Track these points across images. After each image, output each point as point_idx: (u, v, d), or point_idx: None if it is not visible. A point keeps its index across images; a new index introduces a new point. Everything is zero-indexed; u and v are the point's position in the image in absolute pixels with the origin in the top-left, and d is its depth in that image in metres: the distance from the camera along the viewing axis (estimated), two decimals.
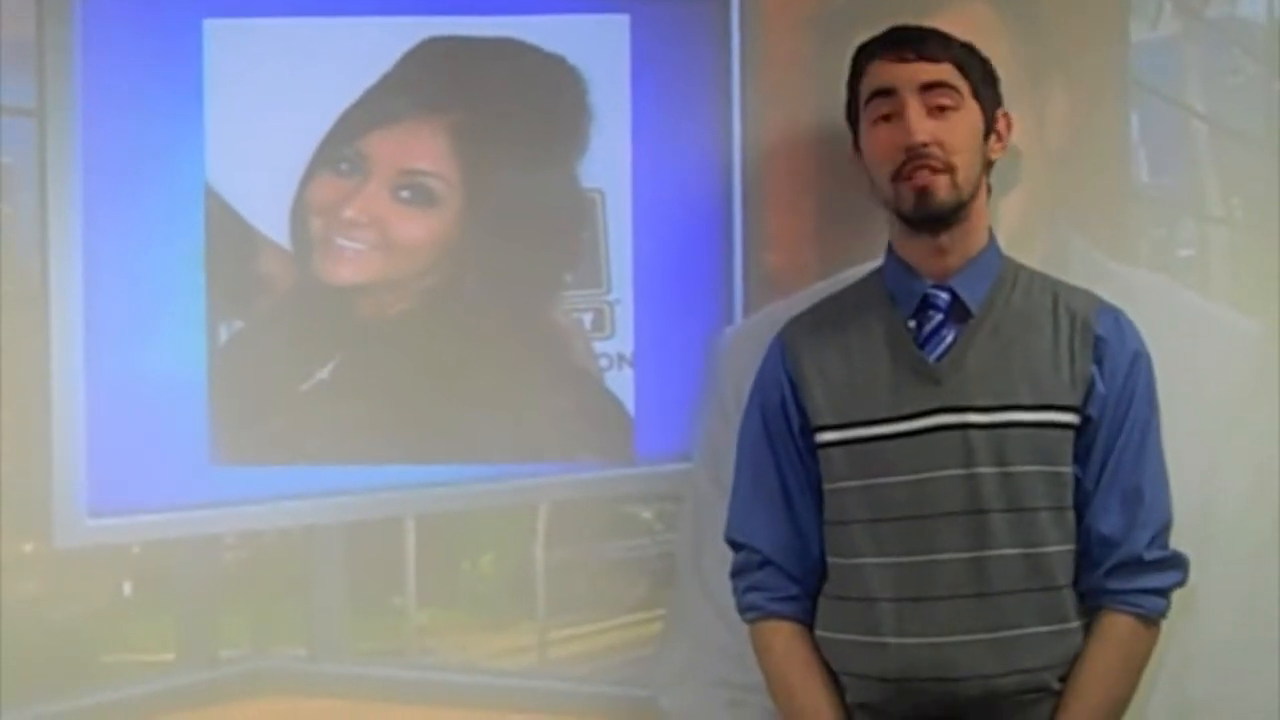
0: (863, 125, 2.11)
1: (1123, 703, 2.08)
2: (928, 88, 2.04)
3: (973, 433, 2.04)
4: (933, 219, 2.07)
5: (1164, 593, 2.09)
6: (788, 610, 2.15)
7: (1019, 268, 2.15)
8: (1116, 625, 2.06)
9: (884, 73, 2.07)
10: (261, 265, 2.43)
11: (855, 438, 2.08)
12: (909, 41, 2.07)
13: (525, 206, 2.45)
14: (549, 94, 2.45)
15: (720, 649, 2.42)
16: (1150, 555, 2.06)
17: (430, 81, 2.42)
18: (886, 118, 2.07)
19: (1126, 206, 2.49)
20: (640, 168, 2.49)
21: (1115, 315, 2.11)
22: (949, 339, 2.08)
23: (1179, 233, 2.51)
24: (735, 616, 2.24)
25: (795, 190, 2.49)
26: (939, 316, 2.09)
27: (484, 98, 2.43)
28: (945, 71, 2.06)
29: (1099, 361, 2.06)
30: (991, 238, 2.14)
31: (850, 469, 2.08)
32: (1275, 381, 2.43)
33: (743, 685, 2.35)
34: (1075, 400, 2.05)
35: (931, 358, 2.08)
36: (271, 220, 2.43)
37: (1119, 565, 2.06)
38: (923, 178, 2.04)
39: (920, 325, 2.10)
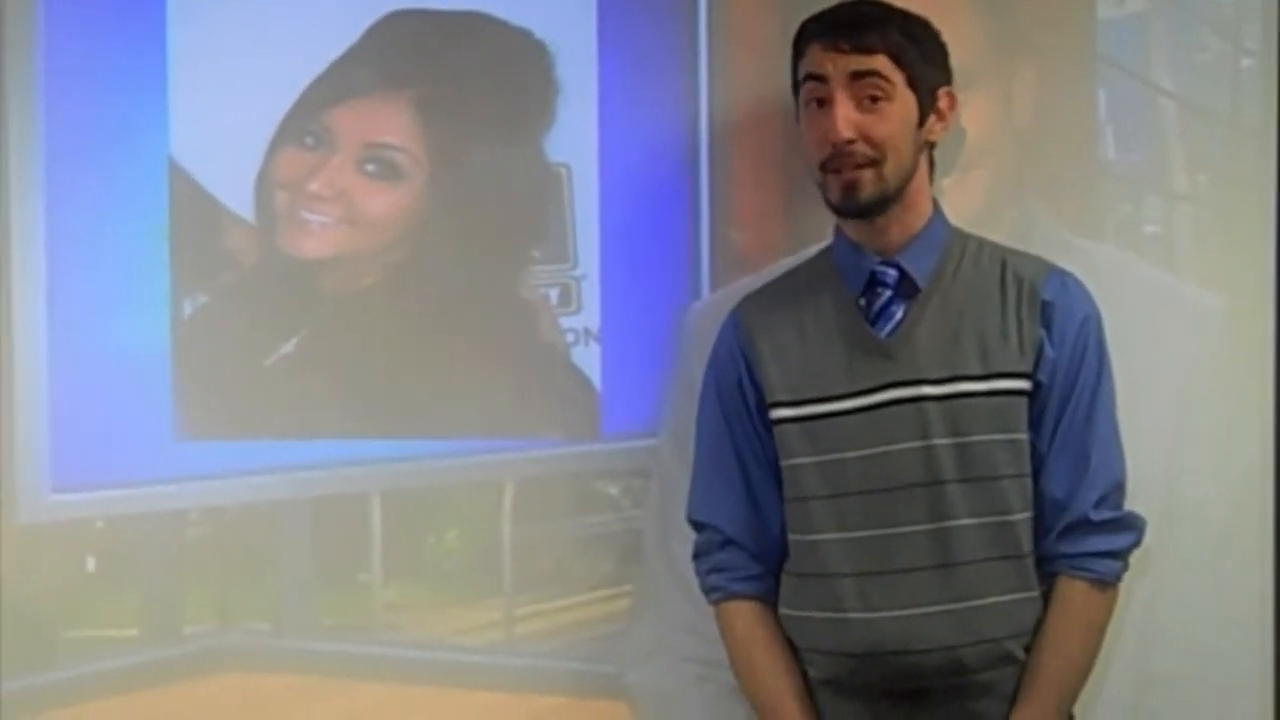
0: (800, 105, 2.12)
1: (1084, 668, 2.10)
2: (858, 76, 2.05)
3: (927, 405, 2.05)
4: (859, 211, 2.08)
5: (1117, 555, 2.10)
6: (750, 590, 2.17)
7: (967, 238, 2.16)
8: (1072, 591, 2.08)
9: (818, 58, 2.07)
10: (226, 240, 2.43)
11: (810, 414, 2.09)
12: (845, 29, 2.07)
13: (491, 181, 2.45)
14: (515, 67, 2.46)
15: (687, 626, 2.43)
16: (1098, 516, 2.07)
17: (395, 55, 2.42)
18: (820, 103, 2.07)
19: (1093, 183, 2.51)
20: (607, 142, 2.50)
21: (1063, 279, 2.12)
22: (899, 314, 2.10)
23: (1145, 209, 2.52)
24: (699, 592, 2.24)
25: (762, 167, 2.50)
26: (887, 293, 2.11)
27: (449, 71, 2.44)
28: (878, 63, 2.05)
29: (1047, 326, 2.07)
30: (936, 210, 2.15)
31: (806, 445, 2.09)
32: (1239, 356, 2.46)
33: (709, 661, 2.37)
34: (1025, 367, 2.06)
35: (882, 333, 2.09)
36: (236, 194, 2.43)
37: (1068, 528, 2.08)
38: (848, 174, 2.06)
39: (870, 302, 2.11)
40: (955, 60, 2.20)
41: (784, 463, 2.13)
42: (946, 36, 2.19)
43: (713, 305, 2.47)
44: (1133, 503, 2.15)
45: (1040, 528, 2.09)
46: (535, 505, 2.53)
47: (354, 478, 2.47)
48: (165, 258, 2.41)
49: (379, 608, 2.50)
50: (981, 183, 2.48)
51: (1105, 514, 2.08)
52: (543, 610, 2.54)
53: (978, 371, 2.06)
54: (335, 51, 2.42)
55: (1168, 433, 2.44)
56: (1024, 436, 2.08)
